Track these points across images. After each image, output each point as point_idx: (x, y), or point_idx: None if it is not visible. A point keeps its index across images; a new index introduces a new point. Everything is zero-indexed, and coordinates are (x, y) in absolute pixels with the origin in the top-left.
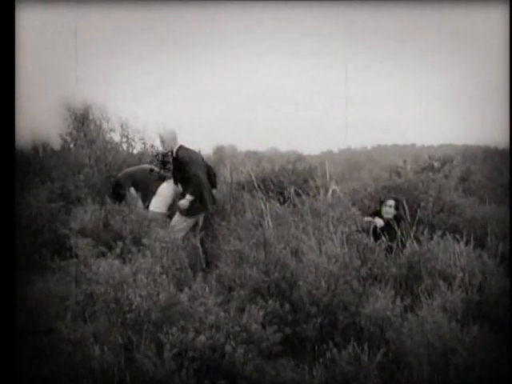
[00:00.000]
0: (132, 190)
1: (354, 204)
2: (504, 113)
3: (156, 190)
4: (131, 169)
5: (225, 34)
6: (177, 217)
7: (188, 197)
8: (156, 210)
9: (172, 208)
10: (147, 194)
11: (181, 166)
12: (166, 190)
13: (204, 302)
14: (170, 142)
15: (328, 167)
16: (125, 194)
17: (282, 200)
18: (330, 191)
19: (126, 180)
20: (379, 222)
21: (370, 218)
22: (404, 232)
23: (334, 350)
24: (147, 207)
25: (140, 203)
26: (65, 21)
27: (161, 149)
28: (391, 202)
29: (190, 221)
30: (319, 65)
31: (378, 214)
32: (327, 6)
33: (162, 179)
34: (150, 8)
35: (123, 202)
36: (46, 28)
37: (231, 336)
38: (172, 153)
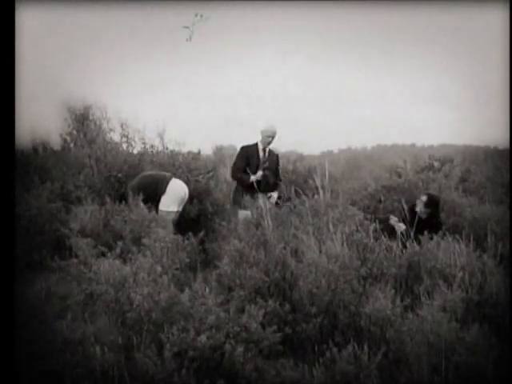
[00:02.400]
0: (140, 203)
1: (354, 204)
2: (504, 113)
3: (166, 189)
4: (135, 180)
5: (225, 34)
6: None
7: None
8: (166, 209)
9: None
10: (157, 198)
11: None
12: (175, 187)
13: (204, 302)
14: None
15: (327, 167)
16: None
17: (282, 200)
18: (328, 192)
19: (134, 192)
20: (400, 227)
21: (395, 219)
22: (404, 232)
23: (334, 350)
24: (156, 208)
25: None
26: (65, 21)
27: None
28: (424, 198)
29: None
30: (319, 65)
31: (412, 210)
32: (327, 7)
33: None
34: (151, 8)
35: (128, 200)
36: (46, 28)
37: (231, 336)
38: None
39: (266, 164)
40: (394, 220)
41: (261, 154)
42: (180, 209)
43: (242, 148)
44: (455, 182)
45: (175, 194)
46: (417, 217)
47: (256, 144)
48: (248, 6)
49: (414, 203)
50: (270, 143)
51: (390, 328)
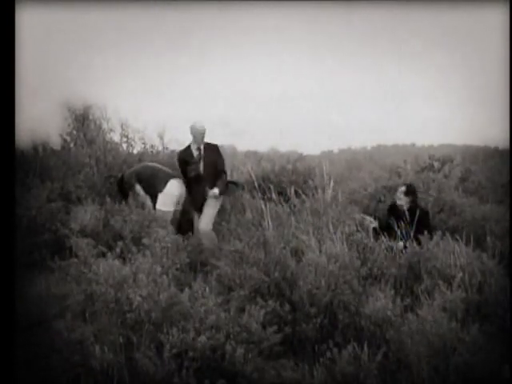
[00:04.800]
0: (138, 187)
1: (353, 204)
2: (504, 113)
3: (164, 187)
4: (136, 167)
5: (225, 34)
6: (213, 202)
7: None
8: (163, 209)
9: (178, 206)
10: (153, 193)
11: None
12: (174, 187)
13: (204, 302)
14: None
15: (327, 167)
16: (130, 191)
17: (282, 200)
18: (329, 192)
19: (131, 178)
20: (373, 223)
21: (368, 218)
22: (404, 232)
23: (334, 350)
24: (154, 206)
25: (148, 201)
26: (65, 21)
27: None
28: (402, 188)
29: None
30: (319, 65)
31: (393, 205)
32: (327, 6)
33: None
34: (151, 8)
35: (128, 200)
36: (46, 28)
37: (231, 336)
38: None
39: (197, 161)
40: (365, 219)
41: (195, 152)
42: (179, 208)
43: (178, 154)
44: (455, 182)
45: (172, 195)
46: (399, 209)
47: (189, 146)
48: (248, 6)
49: (394, 201)
50: (203, 139)
51: (390, 328)
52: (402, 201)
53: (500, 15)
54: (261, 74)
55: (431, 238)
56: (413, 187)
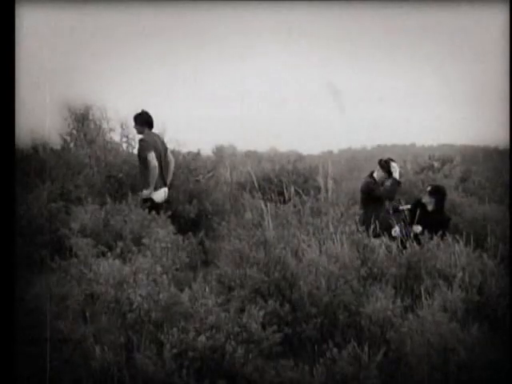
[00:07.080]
0: (152, 154)
1: (354, 204)
2: (504, 113)
3: (158, 189)
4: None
5: (224, 35)
6: None
7: None
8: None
9: None
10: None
11: None
12: (162, 195)
13: (204, 303)
14: None
15: (329, 167)
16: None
17: (282, 200)
18: (330, 192)
19: (147, 144)
20: (416, 229)
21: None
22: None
23: (334, 350)
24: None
25: (156, 167)
26: (65, 21)
27: None
28: (428, 188)
29: None
30: (319, 65)
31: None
32: (326, 6)
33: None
34: (150, 8)
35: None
36: (46, 28)
37: (231, 336)
38: None
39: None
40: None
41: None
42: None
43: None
44: (455, 182)
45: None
46: (419, 211)
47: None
48: (248, 6)
49: (420, 197)
50: None
51: (390, 328)
52: (427, 199)
53: (500, 15)
54: (261, 74)
55: (431, 238)
56: (439, 188)
